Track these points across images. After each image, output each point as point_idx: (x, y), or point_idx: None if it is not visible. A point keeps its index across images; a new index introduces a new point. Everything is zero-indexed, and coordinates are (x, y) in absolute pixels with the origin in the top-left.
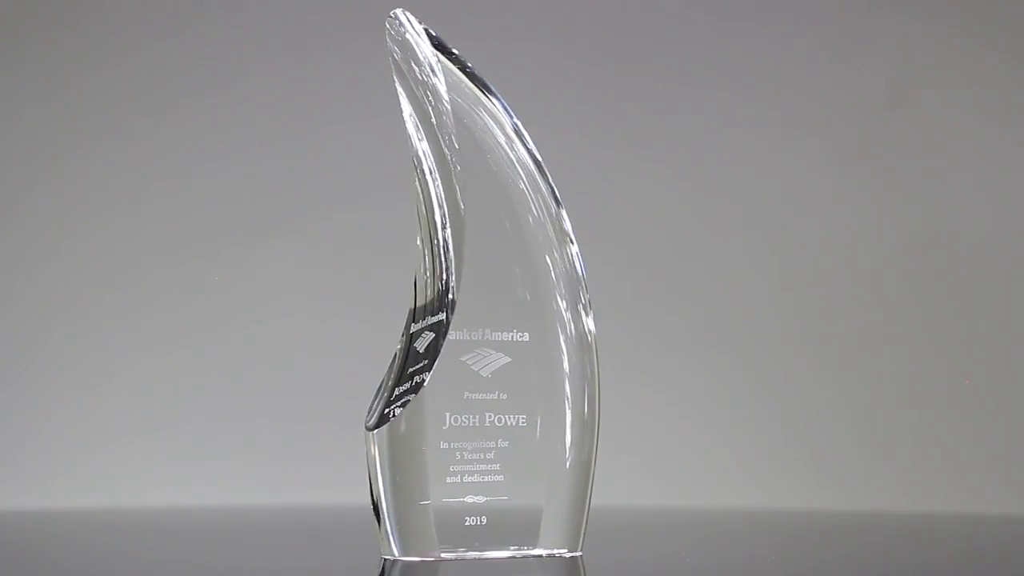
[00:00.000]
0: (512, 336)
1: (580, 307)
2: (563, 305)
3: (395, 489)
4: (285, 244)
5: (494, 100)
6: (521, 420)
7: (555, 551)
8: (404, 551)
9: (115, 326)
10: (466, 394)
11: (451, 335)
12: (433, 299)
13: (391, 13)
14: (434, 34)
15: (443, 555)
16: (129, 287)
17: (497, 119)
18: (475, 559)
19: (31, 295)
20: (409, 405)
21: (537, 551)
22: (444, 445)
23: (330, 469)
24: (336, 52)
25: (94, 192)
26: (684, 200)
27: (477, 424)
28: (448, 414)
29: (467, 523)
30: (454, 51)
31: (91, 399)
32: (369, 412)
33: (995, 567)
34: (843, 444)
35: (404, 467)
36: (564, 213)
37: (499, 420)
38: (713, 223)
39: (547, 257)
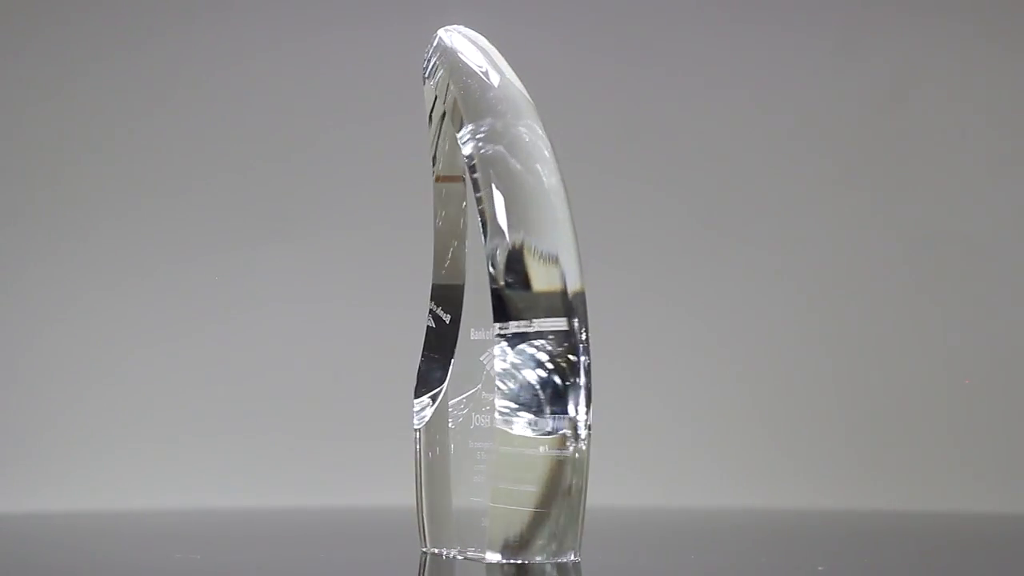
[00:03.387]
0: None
1: (586, 307)
2: (577, 304)
3: (430, 485)
4: (291, 245)
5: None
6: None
7: (559, 555)
8: (437, 545)
9: (116, 327)
10: (484, 394)
11: (475, 335)
12: None
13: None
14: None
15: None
16: (129, 287)
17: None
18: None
19: (31, 296)
20: (440, 404)
21: (544, 553)
22: (471, 445)
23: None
24: (343, 50)
25: (96, 191)
26: (682, 199)
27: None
28: (474, 414)
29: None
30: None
31: (94, 401)
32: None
33: (995, 567)
34: (846, 444)
35: (436, 464)
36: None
37: None
38: (712, 222)
39: (563, 255)
